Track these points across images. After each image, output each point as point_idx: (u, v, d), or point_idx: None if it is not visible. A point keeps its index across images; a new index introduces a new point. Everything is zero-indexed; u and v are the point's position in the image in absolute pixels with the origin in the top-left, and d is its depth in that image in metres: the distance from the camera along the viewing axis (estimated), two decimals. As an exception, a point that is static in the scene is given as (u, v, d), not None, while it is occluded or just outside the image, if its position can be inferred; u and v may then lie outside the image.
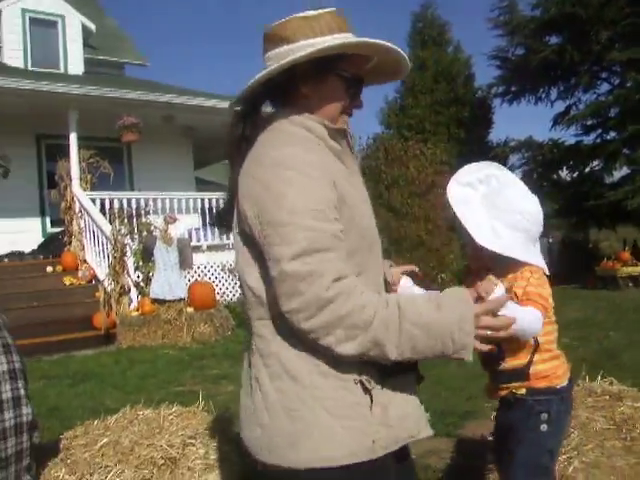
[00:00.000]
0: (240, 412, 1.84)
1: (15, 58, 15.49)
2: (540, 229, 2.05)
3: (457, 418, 5.08)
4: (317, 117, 1.77)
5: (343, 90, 1.80)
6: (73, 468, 3.00)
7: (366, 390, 1.64)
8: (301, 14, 1.75)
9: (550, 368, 1.97)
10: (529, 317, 1.85)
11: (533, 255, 2.02)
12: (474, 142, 23.99)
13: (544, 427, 1.95)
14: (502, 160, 23.06)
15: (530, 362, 1.96)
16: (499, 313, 1.67)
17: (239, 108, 1.85)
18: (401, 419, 1.70)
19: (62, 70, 16.03)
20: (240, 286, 1.85)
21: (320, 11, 1.76)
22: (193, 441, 3.29)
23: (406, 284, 1.93)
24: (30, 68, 15.47)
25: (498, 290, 1.69)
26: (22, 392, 2.81)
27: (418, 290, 1.94)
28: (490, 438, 3.08)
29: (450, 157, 19.20)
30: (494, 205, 1.98)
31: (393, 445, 1.67)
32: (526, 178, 21.95)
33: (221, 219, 1.94)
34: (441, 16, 27.90)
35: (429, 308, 1.59)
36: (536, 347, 1.95)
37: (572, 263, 17.79)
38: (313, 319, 1.53)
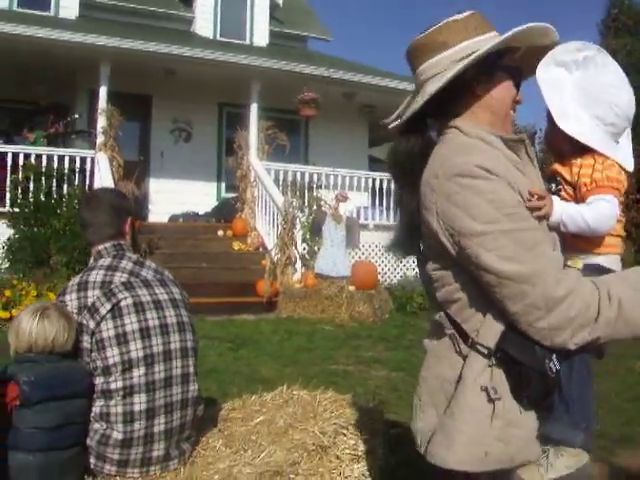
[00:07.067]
0: None
1: (206, 28, 16.13)
2: (626, 125, 1.95)
3: (610, 442, 4.70)
4: (491, 129, 1.73)
5: (511, 83, 1.77)
6: (229, 441, 3.09)
7: (490, 400, 1.60)
8: (451, 18, 1.73)
9: None
10: (572, 209, 1.82)
11: (611, 148, 1.92)
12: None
13: None
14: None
15: None
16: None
17: (402, 126, 1.82)
18: (522, 440, 1.64)
19: (247, 41, 16.50)
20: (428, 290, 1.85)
21: (466, 14, 1.73)
22: (345, 431, 3.29)
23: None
24: (218, 38, 16.07)
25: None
26: (191, 369, 2.91)
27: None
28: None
29: (636, 157, 18.08)
30: (585, 92, 1.90)
31: (508, 463, 1.62)
32: None
33: (400, 247, 1.95)
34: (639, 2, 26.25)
35: (638, 308, 1.59)
36: None
37: None
38: (542, 320, 1.53)
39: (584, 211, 1.80)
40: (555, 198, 1.82)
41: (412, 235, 1.84)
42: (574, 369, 1.71)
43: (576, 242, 1.84)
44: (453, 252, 1.62)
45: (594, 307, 1.55)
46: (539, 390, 1.61)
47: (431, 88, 1.69)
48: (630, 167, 1.97)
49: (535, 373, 1.59)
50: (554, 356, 1.59)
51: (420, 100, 1.71)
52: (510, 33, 1.67)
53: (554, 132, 1.95)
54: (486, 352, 1.62)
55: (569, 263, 1.74)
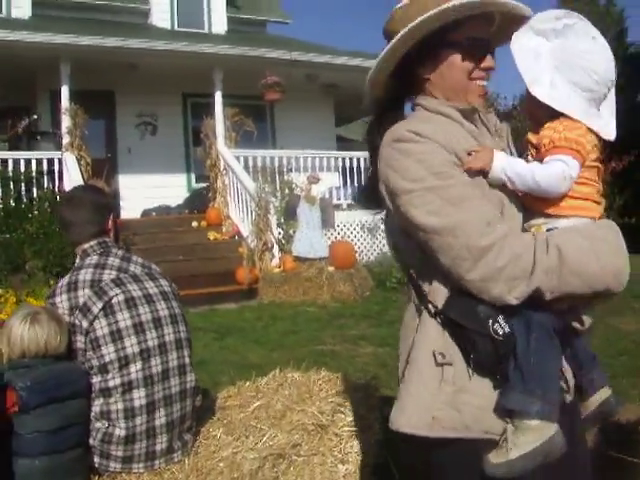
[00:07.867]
0: None
1: (163, 20, 15.96)
2: (606, 91, 1.84)
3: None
4: (450, 102, 1.77)
5: (460, 59, 1.74)
6: (230, 429, 3.12)
7: (438, 364, 1.61)
8: (400, 4, 1.75)
9: None
10: (521, 166, 1.75)
11: (591, 115, 1.83)
12: (623, 103, 22.70)
13: None
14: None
15: None
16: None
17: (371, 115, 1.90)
18: (478, 409, 1.59)
19: (206, 30, 16.35)
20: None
21: None
22: (342, 408, 3.33)
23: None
24: (176, 28, 15.91)
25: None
26: (187, 360, 2.93)
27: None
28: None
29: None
30: (560, 59, 1.83)
31: (463, 432, 1.57)
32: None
33: (367, 199, 1.97)
34: (594, -36, 26.29)
35: (588, 256, 1.56)
36: None
37: None
38: (471, 272, 1.54)
39: (535, 169, 1.73)
40: (501, 153, 1.76)
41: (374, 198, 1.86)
42: (532, 336, 1.61)
43: (534, 204, 1.77)
44: (396, 215, 1.68)
45: (528, 257, 1.53)
46: (488, 355, 1.56)
47: (372, 70, 1.77)
48: (608, 135, 1.86)
49: (479, 336, 1.55)
50: (500, 318, 1.56)
51: (369, 78, 1.79)
52: (434, 11, 1.64)
53: (528, 99, 1.90)
54: (433, 312, 1.63)
55: (533, 230, 1.69)
